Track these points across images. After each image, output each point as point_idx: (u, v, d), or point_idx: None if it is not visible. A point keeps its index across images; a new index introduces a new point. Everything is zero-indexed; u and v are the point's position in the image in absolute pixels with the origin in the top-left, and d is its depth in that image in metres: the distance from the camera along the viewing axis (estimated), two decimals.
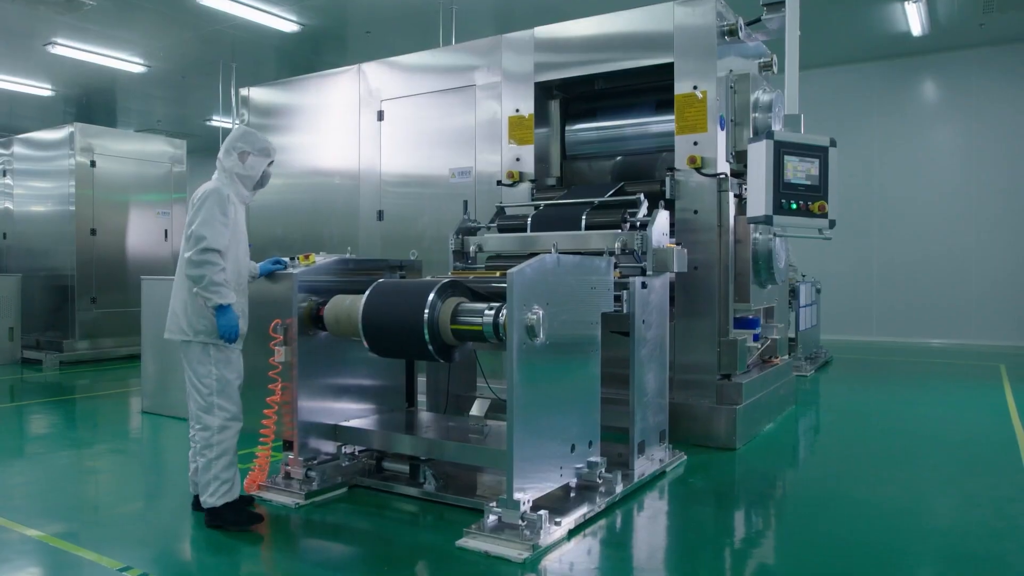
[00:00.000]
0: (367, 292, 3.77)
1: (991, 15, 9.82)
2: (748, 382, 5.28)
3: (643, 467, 4.28)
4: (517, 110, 5.99)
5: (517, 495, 3.24)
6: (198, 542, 3.44)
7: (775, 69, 6.14)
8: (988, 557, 3.24)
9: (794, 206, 4.49)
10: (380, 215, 6.81)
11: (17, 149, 10.36)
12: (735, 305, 5.44)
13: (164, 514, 3.88)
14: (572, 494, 3.82)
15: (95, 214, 9.58)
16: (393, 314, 3.61)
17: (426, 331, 3.49)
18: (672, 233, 5.29)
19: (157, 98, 14.58)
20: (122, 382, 7.94)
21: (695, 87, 5.21)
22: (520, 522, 3.23)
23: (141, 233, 10.11)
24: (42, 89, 13.37)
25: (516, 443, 3.24)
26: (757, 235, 5.44)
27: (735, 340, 5.18)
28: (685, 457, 4.70)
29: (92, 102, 14.82)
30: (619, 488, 3.87)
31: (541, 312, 3.33)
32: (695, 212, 5.23)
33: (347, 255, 4.36)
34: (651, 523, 3.72)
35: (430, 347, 3.52)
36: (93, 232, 9.56)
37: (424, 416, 4.51)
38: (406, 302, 3.58)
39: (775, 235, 5.26)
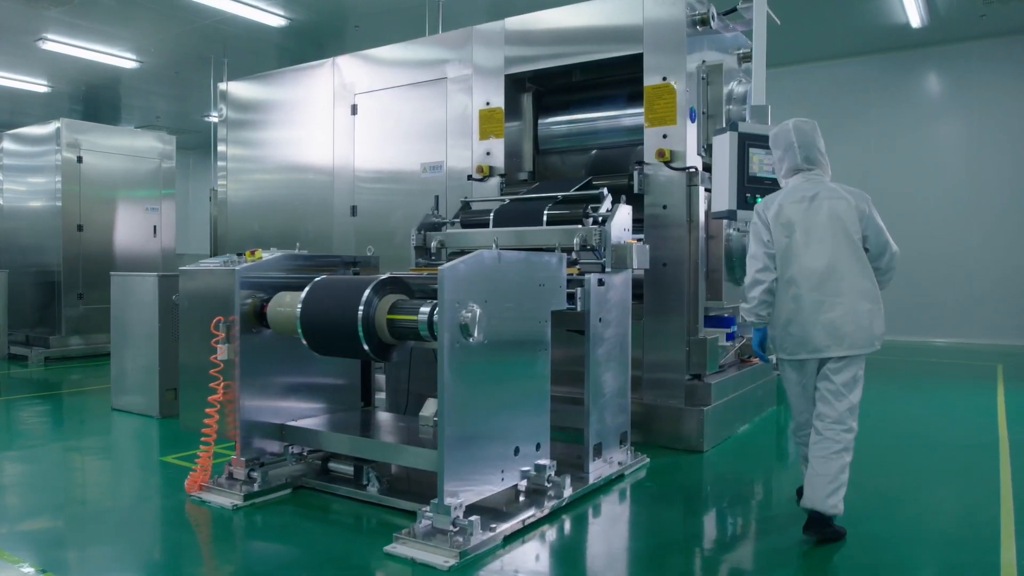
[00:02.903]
0: (306, 289, 3.67)
1: (992, 6, 9.56)
2: (718, 382, 5.13)
3: (600, 470, 4.15)
4: (488, 103, 5.86)
5: (448, 500, 3.13)
6: (114, 545, 3.35)
7: None
8: (945, 568, 3.09)
9: (759, 200, 4.31)
10: (353, 211, 6.72)
11: (6, 144, 10.35)
12: (708, 303, 5.29)
13: (94, 515, 3.78)
14: (521, 498, 3.70)
15: (82, 210, 9.52)
16: (329, 312, 3.51)
17: (360, 329, 3.38)
18: (641, 229, 5.17)
19: (155, 94, 14.57)
20: (103, 379, 7.87)
21: (664, 78, 5.07)
22: (451, 528, 3.11)
23: (129, 229, 10.05)
24: (38, 85, 13.39)
25: (447, 445, 3.13)
26: (731, 231, 5.29)
27: (705, 339, 5.03)
28: (648, 460, 4.56)
29: (93, 98, 14.84)
30: (567, 492, 3.74)
31: (478, 310, 3.20)
32: (664, 207, 5.08)
33: (295, 251, 4.26)
34: (596, 529, 3.59)
35: (365, 346, 3.40)
36: (80, 228, 9.51)
37: (376, 416, 4.41)
38: (342, 299, 3.47)
39: (737, 230, 5.11)
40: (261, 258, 4.04)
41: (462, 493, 3.22)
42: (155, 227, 10.39)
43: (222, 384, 3.84)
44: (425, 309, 3.34)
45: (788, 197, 3.49)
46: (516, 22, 5.73)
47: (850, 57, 11.66)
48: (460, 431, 3.21)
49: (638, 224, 5.15)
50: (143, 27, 10.43)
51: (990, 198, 10.85)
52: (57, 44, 10.92)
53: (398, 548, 3.10)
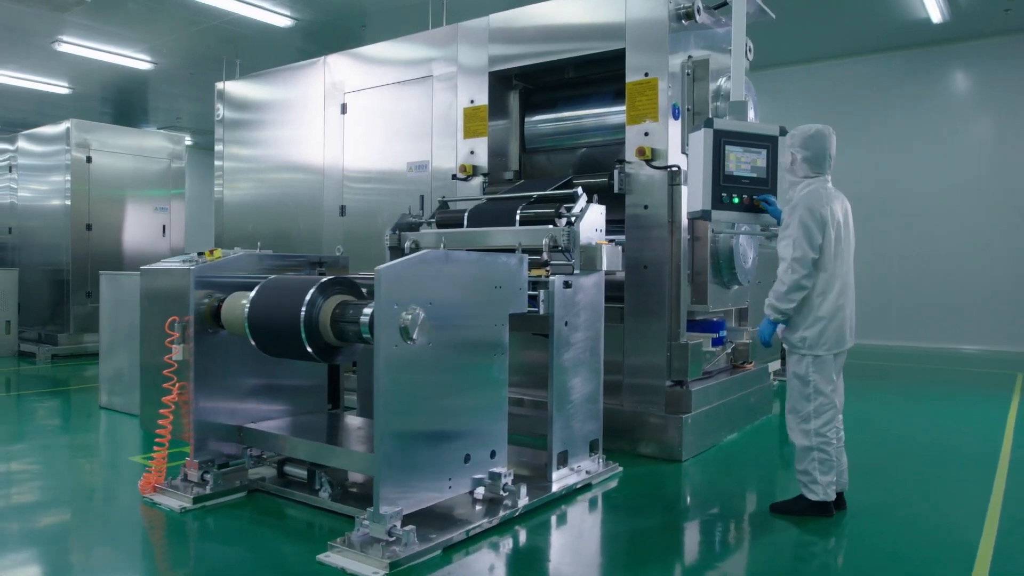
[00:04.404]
0: (255, 289, 3.59)
1: (1016, 0, 9.16)
2: (701, 389, 4.95)
3: (565, 479, 4.01)
4: (472, 101, 5.75)
5: (384, 507, 3.02)
6: (49, 545, 3.31)
7: (750, 56, 5.76)
8: None
9: (736, 200, 4.13)
10: (343, 210, 6.65)
11: (21, 144, 10.54)
12: (693, 307, 5.11)
13: (42, 515, 3.73)
14: (477, 507, 3.59)
15: (91, 209, 9.65)
16: (275, 312, 3.43)
17: (303, 330, 3.29)
18: (623, 230, 5.02)
19: (175, 95, 14.71)
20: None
21: (646, 74, 4.90)
22: (387, 537, 3.00)
23: (138, 228, 10.16)
24: (58, 87, 13.61)
25: (382, 452, 3.02)
26: (717, 232, 5.10)
27: (687, 344, 4.85)
28: (620, 469, 4.40)
29: (116, 100, 15.04)
30: (522, 501, 3.62)
31: (420, 312, 3.09)
32: (645, 207, 4.92)
33: (257, 250, 4.19)
34: (549, 540, 3.44)
35: (308, 348, 3.31)
36: (89, 227, 9.64)
37: (339, 419, 4.32)
38: (287, 300, 3.39)
39: (715, 232, 4.93)
40: (220, 257, 3.98)
41: (401, 501, 3.11)
42: (164, 227, 10.49)
43: (177, 385, 3.79)
44: (368, 311, 3.24)
45: (831, 199, 3.65)
46: (500, 19, 5.61)
47: (869, 54, 11.28)
48: (399, 437, 3.10)
49: (620, 224, 5.00)
50: (153, 28, 10.51)
51: (1016, 198, 10.39)
52: (71, 46, 11.07)
53: (331, 557, 3.00)
